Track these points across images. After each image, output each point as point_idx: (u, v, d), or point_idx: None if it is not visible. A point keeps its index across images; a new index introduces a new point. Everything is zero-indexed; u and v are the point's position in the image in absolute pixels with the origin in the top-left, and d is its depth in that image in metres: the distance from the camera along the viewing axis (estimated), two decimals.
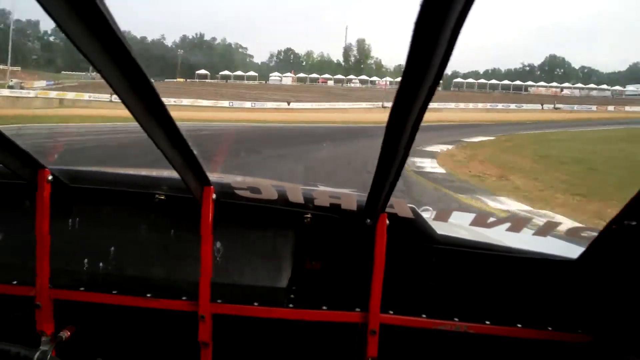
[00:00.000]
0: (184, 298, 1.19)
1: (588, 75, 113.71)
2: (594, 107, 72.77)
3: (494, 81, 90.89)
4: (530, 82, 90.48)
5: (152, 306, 1.19)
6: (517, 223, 1.13)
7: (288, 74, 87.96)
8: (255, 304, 1.19)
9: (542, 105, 74.46)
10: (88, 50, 0.61)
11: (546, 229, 1.13)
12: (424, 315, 1.19)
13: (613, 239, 1.08)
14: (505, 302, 1.27)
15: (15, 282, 1.22)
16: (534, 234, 1.16)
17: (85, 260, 1.30)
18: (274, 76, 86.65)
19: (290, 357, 1.31)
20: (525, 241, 1.35)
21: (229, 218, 1.25)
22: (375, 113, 49.27)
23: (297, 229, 1.32)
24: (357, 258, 1.25)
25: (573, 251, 1.27)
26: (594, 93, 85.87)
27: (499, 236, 1.33)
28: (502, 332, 1.18)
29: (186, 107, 46.54)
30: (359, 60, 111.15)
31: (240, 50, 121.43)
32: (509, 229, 1.11)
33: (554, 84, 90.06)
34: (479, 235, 1.38)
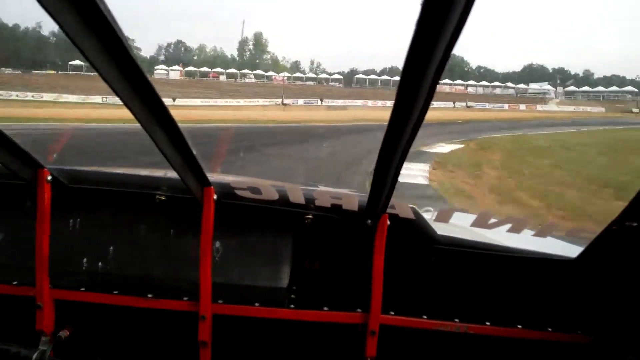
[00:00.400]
0: (185, 298, 1.19)
1: (484, 74, 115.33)
2: (506, 106, 69.83)
3: (397, 78, 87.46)
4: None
5: (153, 306, 1.19)
6: (517, 224, 1.12)
7: (176, 67, 78.34)
8: (256, 304, 1.19)
9: (454, 103, 70.54)
10: (88, 50, 0.61)
11: (546, 229, 1.15)
12: (424, 316, 1.20)
13: (612, 239, 1.09)
14: (505, 303, 1.28)
15: (15, 282, 1.21)
16: (533, 235, 1.16)
17: (86, 261, 1.30)
18: (160, 69, 76.60)
19: (291, 357, 1.30)
20: (525, 241, 1.32)
21: (230, 218, 1.23)
22: (275, 110, 42.26)
23: (298, 230, 1.32)
24: (358, 259, 1.25)
25: (572, 252, 1.27)
26: (498, 91, 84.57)
27: (499, 237, 1.31)
28: (502, 333, 1.19)
29: (44, 104, 39.05)
30: (254, 55, 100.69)
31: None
32: (509, 230, 1.11)
33: (459, 81, 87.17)
34: (478, 235, 1.37)
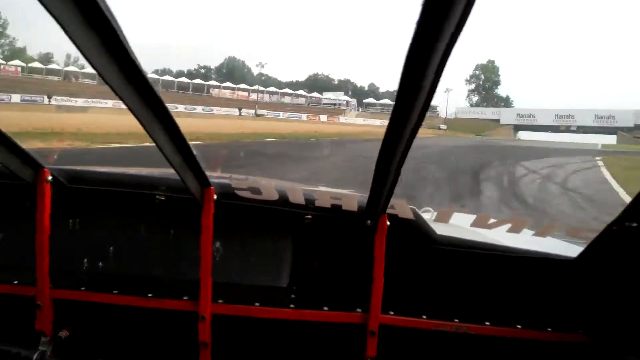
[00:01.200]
0: (185, 298, 1.19)
1: (266, 82, 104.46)
2: (304, 116, 55.59)
3: (167, 77, 71.19)
4: (213, 82, 68.62)
5: (153, 306, 1.19)
6: (517, 224, 1.13)
7: None
8: (256, 304, 1.20)
9: (239, 110, 53.15)
10: (89, 51, 0.61)
11: (546, 229, 1.16)
12: (424, 316, 1.20)
13: (613, 239, 1.09)
14: (505, 303, 1.29)
15: (15, 282, 1.22)
16: (533, 235, 1.17)
17: (86, 260, 1.31)
18: None
19: (291, 357, 1.31)
20: (525, 241, 1.33)
21: (230, 218, 1.23)
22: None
23: (298, 230, 1.32)
24: (358, 259, 1.26)
25: (572, 252, 1.28)
26: (287, 99, 71.38)
27: (499, 237, 1.33)
28: (502, 333, 1.19)
29: None
30: None
31: None
32: (509, 230, 1.12)
33: (243, 85, 71.10)
34: (478, 235, 1.37)
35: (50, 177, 1.15)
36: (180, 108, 52.44)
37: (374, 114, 70.65)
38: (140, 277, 1.28)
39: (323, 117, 57.18)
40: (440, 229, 1.30)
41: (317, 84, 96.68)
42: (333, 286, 1.32)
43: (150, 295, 1.19)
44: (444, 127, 64.35)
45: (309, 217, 1.28)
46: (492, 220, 1.12)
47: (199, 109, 54.19)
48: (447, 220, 1.30)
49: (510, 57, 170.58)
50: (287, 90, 76.80)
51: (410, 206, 1.17)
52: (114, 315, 1.25)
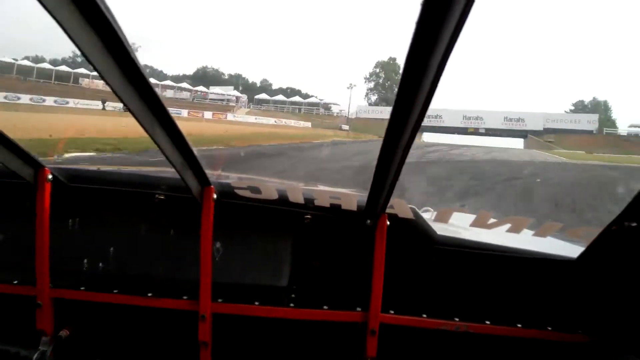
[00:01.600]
0: (184, 297, 1.20)
1: (150, 75, 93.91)
2: (184, 112, 48.14)
3: (45, 65, 60.76)
4: (82, 70, 58.12)
5: (153, 305, 1.20)
6: (517, 224, 1.13)
7: None
8: (256, 303, 1.20)
9: (103, 103, 44.51)
10: (89, 51, 0.61)
11: (546, 229, 1.15)
12: (424, 315, 1.21)
13: (613, 240, 1.09)
14: (506, 302, 1.29)
15: (15, 282, 1.22)
16: (533, 235, 1.17)
17: (86, 260, 1.30)
18: None
19: (291, 356, 1.31)
20: (525, 241, 1.34)
21: (230, 218, 1.24)
22: None
23: (298, 229, 1.32)
24: (358, 259, 1.26)
25: (573, 252, 1.28)
26: (169, 93, 62.98)
27: (499, 237, 1.32)
28: (502, 332, 1.20)
29: None
30: None
31: None
32: (509, 230, 1.12)
33: None
34: (478, 235, 1.37)
35: (50, 176, 1.15)
36: (25, 99, 42.24)
37: (266, 112, 65.05)
38: (140, 277, 1.27)
39: (208, 114, 50.26)
40: (440, 229, 1.29)
41: (207, 78, 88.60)
42: (333, 285, 1.31)
43: (150, 294, 1.19)
44: (346, 127, 59.12)
45: (309, 216, 1.27)
46: (491, 220, 1.12)
47: (49, 100, 44.36)
48: (447, 220, 1.26)
49: None
50: (168, 82, 67.87)
51: (410, 206, 1.17)
52: (114, 315, 1.25)
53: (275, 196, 1.18)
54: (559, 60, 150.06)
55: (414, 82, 0.61)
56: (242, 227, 1.31)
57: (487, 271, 1.29)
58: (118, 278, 1.26)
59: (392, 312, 1.19)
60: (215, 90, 67.74)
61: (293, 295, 1.25)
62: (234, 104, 65.63)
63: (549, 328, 1.20)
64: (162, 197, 1.27)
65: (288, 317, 1.19)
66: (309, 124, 56.59)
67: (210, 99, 67.25)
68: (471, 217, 1.18)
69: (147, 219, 1.31)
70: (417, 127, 0.71)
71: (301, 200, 1.19)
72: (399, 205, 1.13)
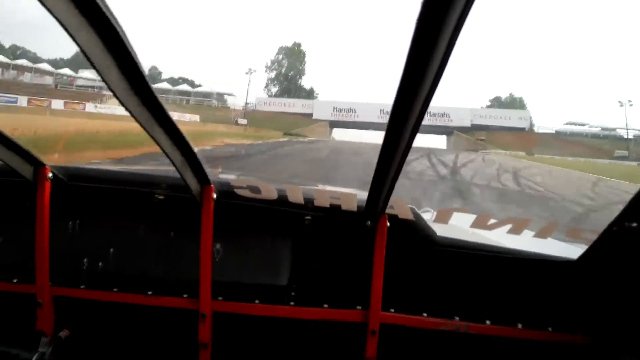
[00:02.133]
0: (184, 296, 1.20)
1: (22, 56, 77.47)
2: (23, 101, 35.66)
3: None
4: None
5: (153, 304, 1.21)
6: (517, 225, 1.13)
7: None
8: (256, 301, 1.21)
9: None
10: (89, 51, 0.61)
11: (546, 230, 1.16)
12: (424, 314, 1.22)
13: (613, 241, 1.09)
14: (506, 303, 1.29)
15: (15, 280, 1.22)
16: (534, 236, 1.17)
17: (86, 258, 1.29)
18: None
19: (291, 354, 1.32)
20: (525, 243, 1.33)
21: (229, 217, 1.25)
22: None
23: (297, 229, 1.32)
24: (358, 259, 1.26)
25: (573, 253, 1.28)
26: (27, 77, 49.90)
27: (499, 238, 1.33)
28: (502, 333, 1.21)
29: None
30: None
31: None
32: (510, 231, 1.12)
33: None
34: (479, 236, 1.38)
35: (50, 175, 1.16)
36: None
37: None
38: (140, 275, 1.27)
39: (59, 103, 38.05)
40: (440, 229, 1.29)
41: (86, 63, 73.90)
42: (333, 286, 1.31)
43: (150, 293, 1.19)
44: (243, 121, 50.67)
45: (309, 217, 1.27)
46: (492, 221, 1.12)
47: None
48: (447, 221, 1.26)
49: (320, 43, 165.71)
50: (24, 62, 53.44)
51: (410, 206, 1.17)
52: (114, 313, 1.25)
53: (274, 196, 1.18)
54: (476, 56, 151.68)
55: (414, 82, 0.60)
56: (242, 227, 1.30)
57: (488, 272, 1.28)
58: (118, 276, 1.25)
59: (392, 310, 1.20)
60: (85, 74, 54.36)
61: (293, 294, 1.25)
62: (107, 92, 53.04)
63: (549, 329, 1.20)
64: (161, 197, 1.26)
65: (288, 315, 1.19)
66: (197, 117, 46.76)
67: (79, 85, 54.24)
68: (471, 218, 1.17)
69: (147, 218, 1.30)
70: (417, 126, 0.70)
71: (301, 200, 1.19)
72: (399, 206, 1.13)
